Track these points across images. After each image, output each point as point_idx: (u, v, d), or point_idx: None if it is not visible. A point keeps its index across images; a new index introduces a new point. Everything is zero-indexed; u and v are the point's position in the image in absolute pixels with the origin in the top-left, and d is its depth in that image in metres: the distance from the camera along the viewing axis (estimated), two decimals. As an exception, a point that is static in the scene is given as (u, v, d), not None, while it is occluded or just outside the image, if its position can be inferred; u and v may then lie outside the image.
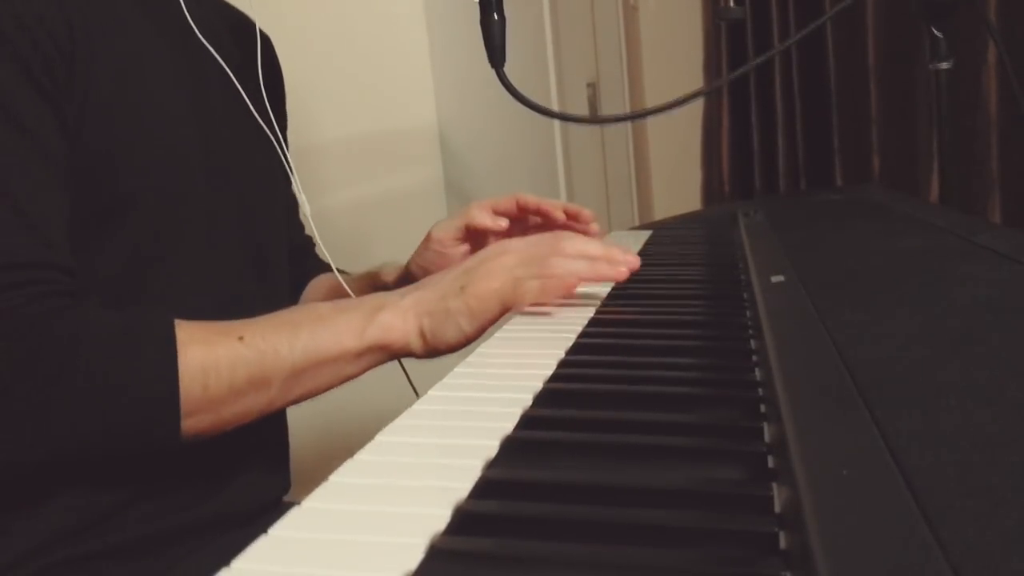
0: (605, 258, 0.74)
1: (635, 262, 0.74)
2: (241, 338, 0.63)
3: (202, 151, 0.73)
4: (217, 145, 0.76)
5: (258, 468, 0.79)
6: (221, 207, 0.76)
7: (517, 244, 0.74)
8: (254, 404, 0.64)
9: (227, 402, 0.62)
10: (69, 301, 0.61)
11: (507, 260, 0.73)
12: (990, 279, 0.63)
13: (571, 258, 0.73)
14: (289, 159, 0.87)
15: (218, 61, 0.79)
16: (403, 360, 0.86)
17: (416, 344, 0.69)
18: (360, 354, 0.67)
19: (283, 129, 0.96)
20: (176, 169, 0.71)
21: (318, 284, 1.01)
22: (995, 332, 0.50)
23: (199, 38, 0.78)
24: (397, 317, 0.68)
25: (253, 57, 0.85)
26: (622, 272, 0.73)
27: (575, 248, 0.74)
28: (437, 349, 0.70)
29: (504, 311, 0.71)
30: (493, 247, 0.75)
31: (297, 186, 0.87)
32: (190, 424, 0.60)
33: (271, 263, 0.85)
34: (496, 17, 0.86)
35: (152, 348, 0.59)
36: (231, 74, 0.81)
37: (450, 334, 0.69)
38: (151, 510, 0.69)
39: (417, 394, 0.58)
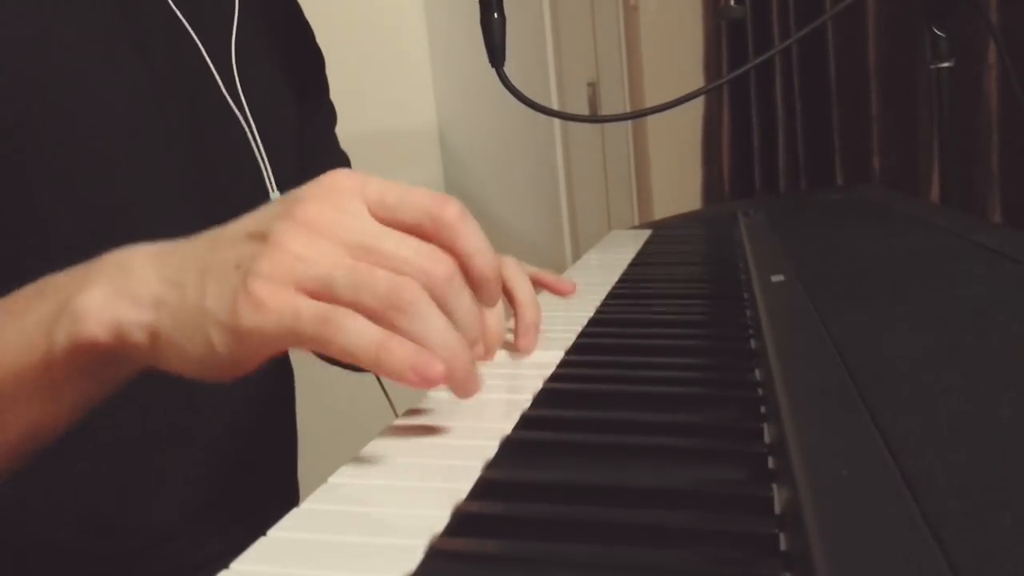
0: (492, 335, 0.53)
1: (530, 344, 0.58)
2: None
3: (145, 151, 0.61)
4: (167, 144, 0.63)
5: (266, 487, 0.75)
6: (169, 206, 0.62)
7: (343, 192, 0.41)
8: None
9: None
10: None
11: (331, 228, 0.40)
12: (990, 279, 0.63)
13: (429, 321, 0.40)
14: (257, 136, 0.71)
15: (160, 35, 0.64)
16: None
17: (143, 352, 0.41)
18: (49, 366, 0.42)
19: (318, 68, 0.85)
20: (96, 175, 0.58)
21: None
22: (995, 332, 0.50)
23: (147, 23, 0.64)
24: (111, 298, 0.41)
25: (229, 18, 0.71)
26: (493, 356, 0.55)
27: (466, 302, 0.42)
28: (169, 365, 0.41)
29: (274, 351, 0.40)
30: (286, 198, 0.42)
31: (269, 179, 0.71)
32: None
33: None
34: (496, 16, 0.86)
35: None
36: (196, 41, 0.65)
37: (193, 346, 0.40)
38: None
39: (396, 413, 0.46)
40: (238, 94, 0.70)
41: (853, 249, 0.84)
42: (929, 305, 0.58)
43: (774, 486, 0.36)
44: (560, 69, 1.88)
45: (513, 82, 0.89)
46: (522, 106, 0.91)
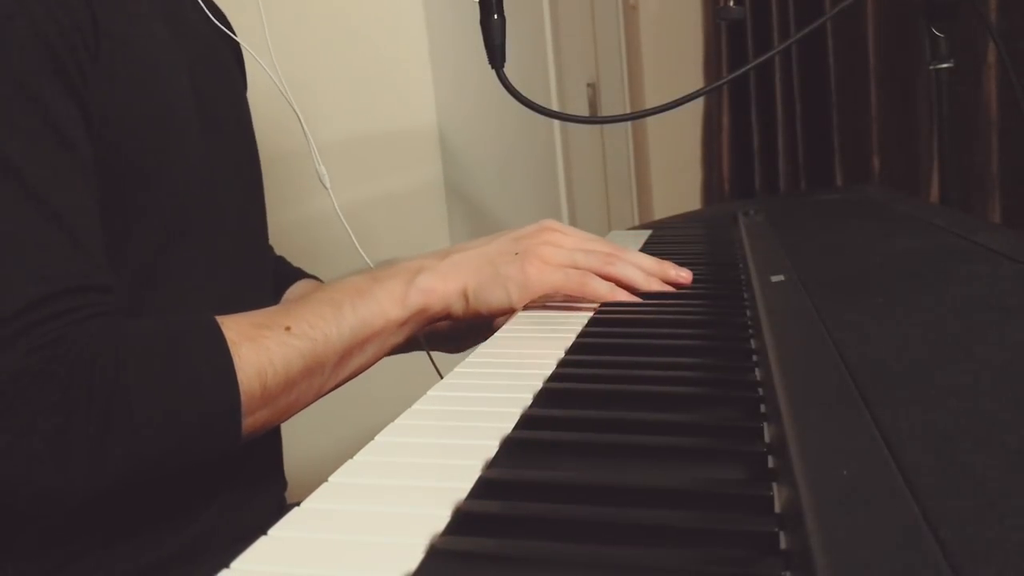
0: (659, 276, 0.73)
1: (687, 279, 0.74)
2: (288, 328, 0.60)
3: (204, 143, 0.71)
4: (215, 129, 0.73)
5: (252, 477, 0.76)
6: (219, 196, 0.73)
7: (565, 228, 0.74)
8: (306, 393, 0.62)
9: (282, 396, 0.60)
10: (108, 322, 0.56)
11: (566, 241, 0.72)
12: (990, 279, 0.63)
13: (631, 265, 0.72)
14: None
15: (206, 39, 0.76)
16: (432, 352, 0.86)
17: (457, 305, 0.68)
18: (404, 322, 0.66)
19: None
20: (184, 165, 0.68)
21: (306, 287, 0.96)
22: (995, 332, 0.50)
23: (188, 12, 0.74)
24: (437, 279, 0.68)
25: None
26: (672, 289, 0.73)
27: (633, 257, 0.73)
28: (478, 312, 0.69)
29: (554, 292, 0.71)
30: (534, 226, 0.74)
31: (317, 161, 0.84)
32: (248, 423, 0.58)
33: (263, 248, 0.84)
34: (496, 17, 0.86)
35: (206, 360, 0.56)
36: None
37: (495, 297, 0.68)
38: (129, 548, 0.65)
39: (441, 375, 0.57)
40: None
41: (853, 249, 0.84)
42: (929, 305, 0.58)
43: (774, 485, 0.36)
44: (560, 69, 1.88)
45: (513, 83, 0.89)
46: (522, 107, 0.91)
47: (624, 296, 0.71)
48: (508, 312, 0.70)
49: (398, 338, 0.67)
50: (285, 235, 1.05)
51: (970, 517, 0.29)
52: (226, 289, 0.72)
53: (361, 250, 0.87)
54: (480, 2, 0.87)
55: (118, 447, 0.53)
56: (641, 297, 0.72)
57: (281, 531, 0.35)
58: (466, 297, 0.69)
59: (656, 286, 0.73)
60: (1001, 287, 0.61)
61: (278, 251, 0.98)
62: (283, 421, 0.63)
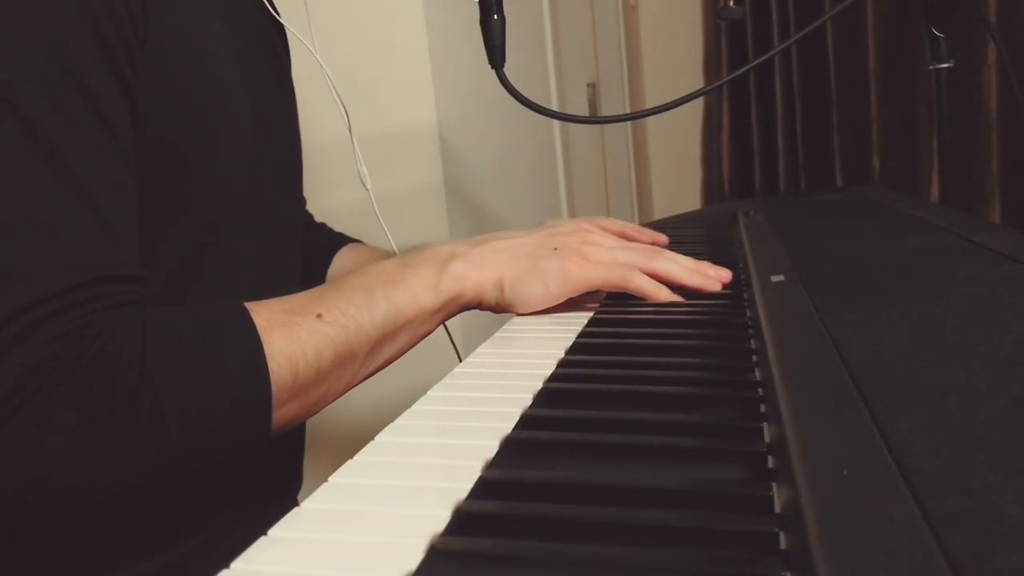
0: (699, 271, 0.73)
1: (727, 276, 0.74)
2: (319, 315, 0.58)
3: (252, 132, 0.69)
4: (264, 123, 0.71)
5: (271, 477, 0.75)
6: (265, 186, 0.72)
7: (604, 222, 0.75)
8: (338, 383, 0.60)
9: (314, 386, 0.57)
10: (135, 311, 0.54)
11: (605, 241, 0.73)
12: (990, 279, 0.63)
13: (672, 261, 0.72)
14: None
15: (260, 32, 0.74)
16: (450, 333, 0.85)
17: (490, 295, 0.67)
18: (437, 310, 0.65)
19: None
20: (232, 155, 0.67)
21: (350, 253, 0.94)
22: (995, 332, 0.50)
23: (239, 4, 0.72)
24: (471, 267, 0.66)
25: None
26: (715, 286, 0.72)
27: (672, 255, 0.73)
28: (512, 304, 0.68)
29: (594, 289, 0.71)
30: (570, 223, 0.74)
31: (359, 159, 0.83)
32: (278, 416, 0.55)
33: (298, 240, 0.82)
34: (496, 17, 0.86)
35: (235, 348, 0.54)
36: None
37: (533, 291, 0.68)
38: (149, 544, 0.64)
39: (460, 358, 0.56)
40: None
41: (853, 249, 0.84)
42: (929, 305, 0.58)
43: (774, 485, 0.36)
44: (560, 69, 1.88)
45: (513, 83, 0.89)
46: (522, 107, 0.91)
47: (666, 294, 0.71)
48: (543, 307, 0.69)
49: (430, 326, 0.66)
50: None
51: (970, 517, 0.29)
52: (267, 280, 0.70)
53: (395, 247, 0.86)
54: (480, 2, 0.87)
55: (145, 439, 0.50)
56: (683, 295, 0.71)
57: (281, 531, 0.35)
58: (501, 288, 0.67)
59: (699, 280, 0.72)
60: (1001, 287, 0.61)
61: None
62: (312, 415, 0.61)
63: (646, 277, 0.70)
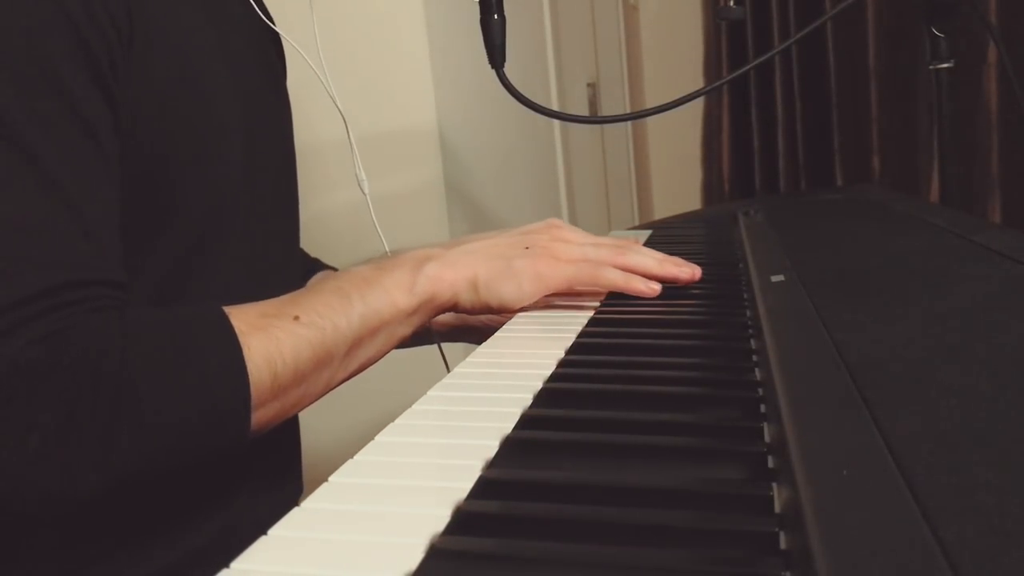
0: (670, 261, 0.75)
1: (697, 272, 0.75)
2: (296, 318, 0.59)
3: (244, 142, 0.69)
4: (256, 134, 0.71)
5: (269, 477, 0.75)
6: (256, 198, 0.72)
7: (572, 227, 0.75)
8: (316, 384, 0.61)
9: (292, 387, 0.58)
10: (114, 315, 0.54)
11: (574, 237, 0.74)
12: (990, 279, 0.63)
13: (641, 254, 0.74)
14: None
15: (254, 40, 0.75)
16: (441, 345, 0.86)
17: (466, 296, 0.68)
18: (413, 311, 0.65)
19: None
20: (222, 166, 0.67)
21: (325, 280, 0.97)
22: (995, 332, 0.50)
23: (231, 11, 0.73)
24: (445, 268, 0.67)
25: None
26: (687, 275, 0.74)
27: (641, 250, 0.75)
28: (488, 303, 0.69)
29: (567, 287, 0.72)
30: (542, 223, 0.76)
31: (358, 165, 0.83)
32: (257, 417, 0.56)
33: (295, 247, 0.82)
34: (496, 17, 0.86)
35: (214, 351, 0.54)
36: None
37: (507, 289, 0.68)
38: (151, 542, 0.64)
39: (448, 369, 0.57)
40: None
41: (853, 249, 0.84)
42: (929, 305, 0.58)
43: (774, 485, 0.36)
44: (560, 69, 1.88)
45: (513, 83, 0.89)
46: (522, 106, 0.91)
47: (638, 284, 0.72)
48: (518, 306, 0.70)
49: (407, 328, 0.66)
50: (303, 229, 1.05)
51: (970, 517, 0.29)
52: (259, 289, 0.69)
53: (390, 251, 0.86)
54: (480, 2, 0.87)
55: (125, 442, 0.50)
56: (646, 296, 0.72)
57: (281, 531, 0.35)
58: (476, 287, 0.68)
59: (671, 269, 0.74)
60: (1001, 287, 0.61)
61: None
62: (291, 415, 0.61)
63: (616, 271, 0.72)
